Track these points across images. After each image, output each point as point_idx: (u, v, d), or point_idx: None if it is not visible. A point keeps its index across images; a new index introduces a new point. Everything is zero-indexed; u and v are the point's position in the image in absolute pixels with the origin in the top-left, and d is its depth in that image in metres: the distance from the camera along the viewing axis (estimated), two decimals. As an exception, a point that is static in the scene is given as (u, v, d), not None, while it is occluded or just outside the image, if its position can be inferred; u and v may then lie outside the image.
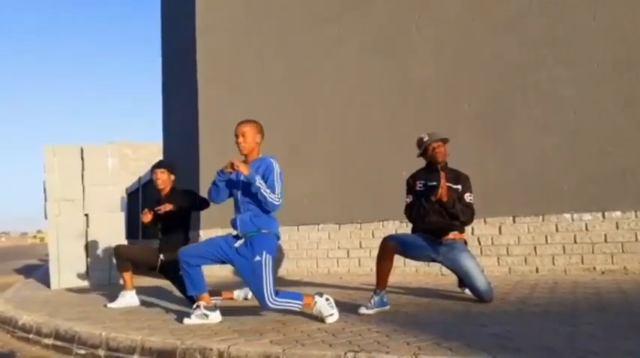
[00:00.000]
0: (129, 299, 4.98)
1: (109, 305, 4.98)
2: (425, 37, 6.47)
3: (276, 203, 3.65)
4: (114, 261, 5.31)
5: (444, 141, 4.25)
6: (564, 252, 5.58)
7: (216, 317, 3.83)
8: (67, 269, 6.98)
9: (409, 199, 4.28)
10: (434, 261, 4.28)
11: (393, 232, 6.33)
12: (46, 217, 7.25)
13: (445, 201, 4.06)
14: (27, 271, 11.55)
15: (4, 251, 32.45)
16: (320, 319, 3.61)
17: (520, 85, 5.94)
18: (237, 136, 3.80)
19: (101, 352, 3.58)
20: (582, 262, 5.50)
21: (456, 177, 4.21)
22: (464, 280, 4.24)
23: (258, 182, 3.60)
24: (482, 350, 2.57)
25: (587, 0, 5.74)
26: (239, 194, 3.82)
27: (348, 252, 6.67)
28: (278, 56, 7.34)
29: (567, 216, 5.60)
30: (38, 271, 10.57)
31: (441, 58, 6.34)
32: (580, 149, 5.62)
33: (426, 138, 4.24)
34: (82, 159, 7.36)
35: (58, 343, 3.96)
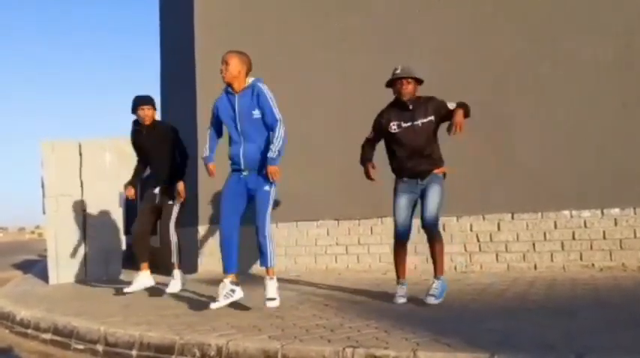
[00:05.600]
0: (145, 280, 5.12)
1: (126, 290, 5.09)
2: (425, 35, 6.44)
3: (284, 137, 3.93)
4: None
5: (418, 81, 4.15)
6: (563, 248, 5.58)
7: (239, 292, 4.00)
8: (66, 264, 6.96)
9: (371, 136, 4.31)
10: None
11: (392, 229, 6.34)
12: (44, 212, 7.23)
13: (418, 145, 4.04)
14: (25, 266, 11.53)
15: (2, 246, 32.41)
16: (266, 298, 3.89)
17: (519, 83, 5.94)
18: (222, 63, 3.99)
19: (99, 347, 3.57)
20: (581, 259, 5.51)
21: (425, 108, 4.09)
22: (421, 200, 4.14)
23: (274, 153, 3.87)
24: (480, 346, 2.57)
25: (588, -3, 5.75)
26: (237, 125, 4.00)
27: (346, 248, 6.66)
28: (278, 54, 7.31)
29: (566, 212, 5.61)
30: (36, 266, 10.56)
31: (441, 55, 6.32)
32: (579, 146, 5.62)
33: (398, 71, 4.12)
34: (80, 154, 7.33)
35: (57, 338, 3.96)
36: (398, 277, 4.23)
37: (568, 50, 5.75)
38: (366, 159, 4.34)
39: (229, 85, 4.04)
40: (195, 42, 7.90)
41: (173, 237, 5.01)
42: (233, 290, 3.98)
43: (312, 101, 7.00)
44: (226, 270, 4.06)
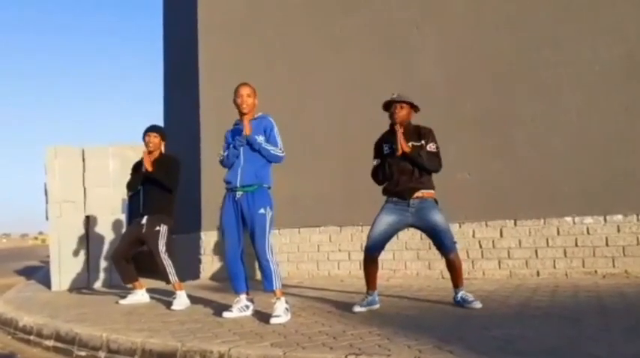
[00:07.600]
0: (139, 296, 5.31)
1: (121, 301, 5.25)
2: (427, 37, 6.47)
3: (280, 155, 4.11)
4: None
5: (414, 107, 4.22)
6: (565, 255, 5.57)
7: (252, 309, 4.17)
8: (68, 270, 6.97)
9: (375, 162, 4.33)
10: (409, 226, 4.21)
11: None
12: (47, 219, 7.25)
13: (408, 154, 4.05)
14: (28, 272, 11.54)
15: (5, 252, 32.45)
16: (272, 315, 3.80)
17: (522, 87, 5.95)
18: (240, 96, 4.17)
19: (102, 354, 3.57)
20: (583, 266, 5.49)
21: (418, 133, 4.16)
22: (431, 237, 4.15)
23: (259, 140, 4.03)
24: (483, 353, 2.57)
25: (590, 1, 5.75)
26: (242, 149, 4.10)
27: (349, 254, 6.65)
28: (280, 56, 7.34)
29: (569, 219, 5.60)
30: (39, 272, 10.57)
31: (444, 58, 6.34)
32: (582, 152, 5.62)
33: (394, 96, 4.21)
34: (84, 160, 7.35)
35: (59, 345, 3.96)
36: (368, 288, 4.19)
37: (571, 55, 5.76)
38: (383, 179, 4.30)
39: (243, 114, 4.17)
40: (198, 44, 7.93)
41: (165, 260, 4.96)
42: (247, 306, 4.15)
43: (314, 104, 7.00)
44: (237, 292, 4.18)
